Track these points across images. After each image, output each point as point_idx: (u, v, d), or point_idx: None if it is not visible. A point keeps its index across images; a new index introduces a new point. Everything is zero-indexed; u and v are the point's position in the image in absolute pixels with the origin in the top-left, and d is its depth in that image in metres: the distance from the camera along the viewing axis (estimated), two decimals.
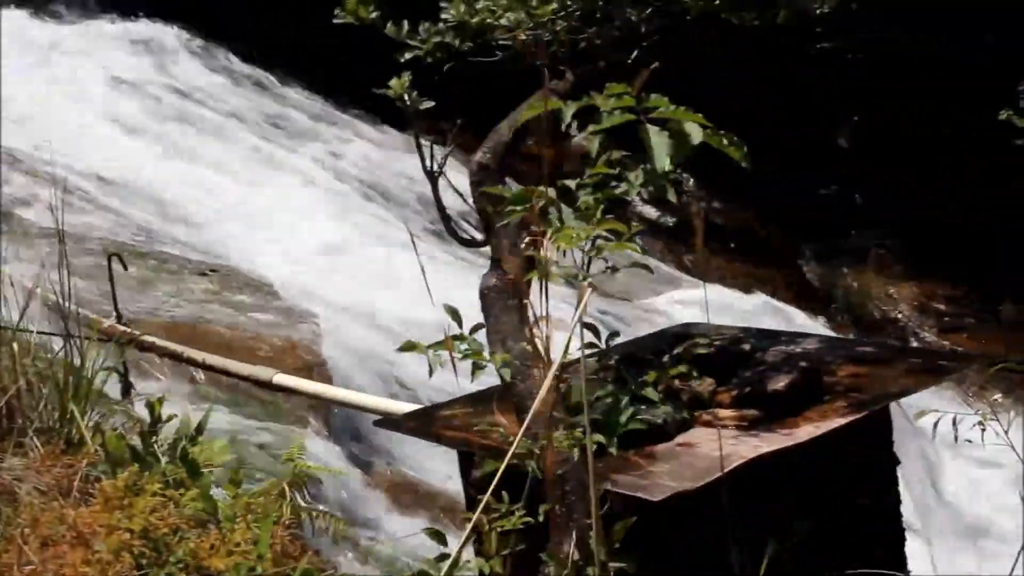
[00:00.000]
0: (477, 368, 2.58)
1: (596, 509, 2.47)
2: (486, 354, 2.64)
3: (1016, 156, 8.52)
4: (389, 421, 4.17)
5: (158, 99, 9.93)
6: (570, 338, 2.45)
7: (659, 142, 2.52)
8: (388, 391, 6.21)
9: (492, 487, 2.59)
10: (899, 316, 8.58)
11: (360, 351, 6.66)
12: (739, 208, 9.74)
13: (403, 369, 6.25)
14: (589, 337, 3.15)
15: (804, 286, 9.03)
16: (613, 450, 2.85)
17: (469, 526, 2.51)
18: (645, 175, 2.39)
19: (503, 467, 2.64)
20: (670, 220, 9.56)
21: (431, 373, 2.65)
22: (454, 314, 2.64)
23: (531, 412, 2.55)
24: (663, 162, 2.34)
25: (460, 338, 2.64)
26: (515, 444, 2.73)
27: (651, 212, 9.65)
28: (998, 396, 7.18)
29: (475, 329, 2.66)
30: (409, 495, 5.70)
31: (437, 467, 5.74)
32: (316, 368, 6.31)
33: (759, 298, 8.48)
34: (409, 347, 2.69)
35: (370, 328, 7.07)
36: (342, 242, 8.35)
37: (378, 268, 7.72)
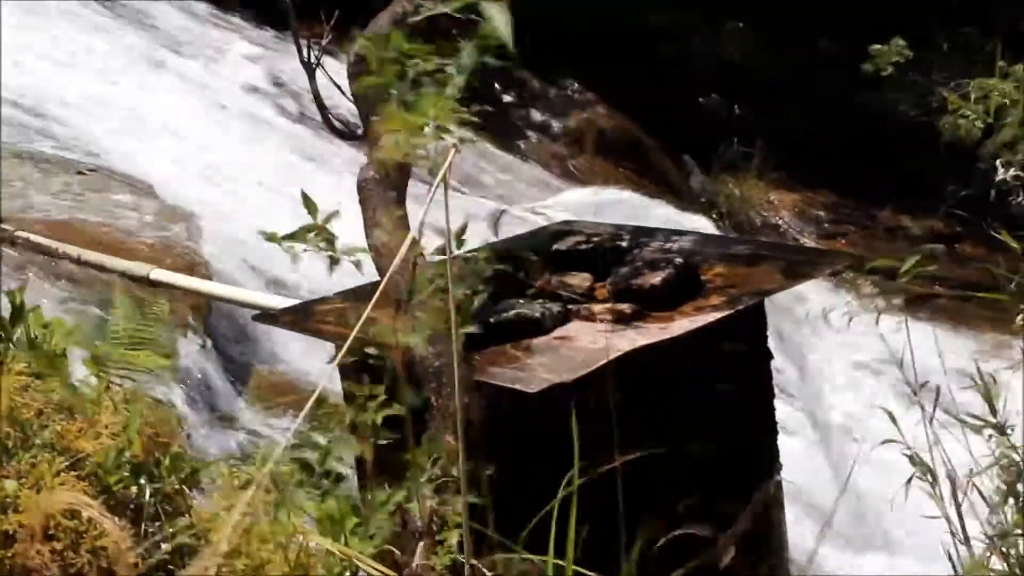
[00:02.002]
0: (333, 261, 2.54)
1: (461, 395, 2.46)
2: (341, 244, 2.58)
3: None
4: (266, 316, 4.13)
5: None
6: (425, 212, 2.42)
7: (497, 14, 2.49)
8: (270, 291, 6.14)
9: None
10: (780, 222, 8.70)
11: (241, 250, 6.58)
12: (625, 117, 9.77)
13: (282, 267, 6.19)
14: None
15: (687, 192, 9.11)
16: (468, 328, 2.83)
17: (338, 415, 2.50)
18: (481, 39, 2.34)
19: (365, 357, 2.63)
20: (557, 126, 9.56)
21: (294, 261, 2.60)
22: (308, 202, 2.59)
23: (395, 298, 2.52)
24: (501, 29, 2.31)
25: (314, 228, 2.58)
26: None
27: (538, 117, 9.64)
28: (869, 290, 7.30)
29: (329, 218, 2.60)
30: (290, 395, 5.68)
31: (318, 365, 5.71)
32: (196, 268, 6.23)
33: (642, 200, 8.53)
34: (270, 238, 2.64)
35: (252, 228, 6.97)
36: (223, 142, 8.22)
37: (260, 170, 7.63)
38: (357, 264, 2.56)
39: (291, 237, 2.58)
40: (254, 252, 6.50)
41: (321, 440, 2.35)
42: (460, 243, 3.36)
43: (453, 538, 2.06)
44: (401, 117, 2.18)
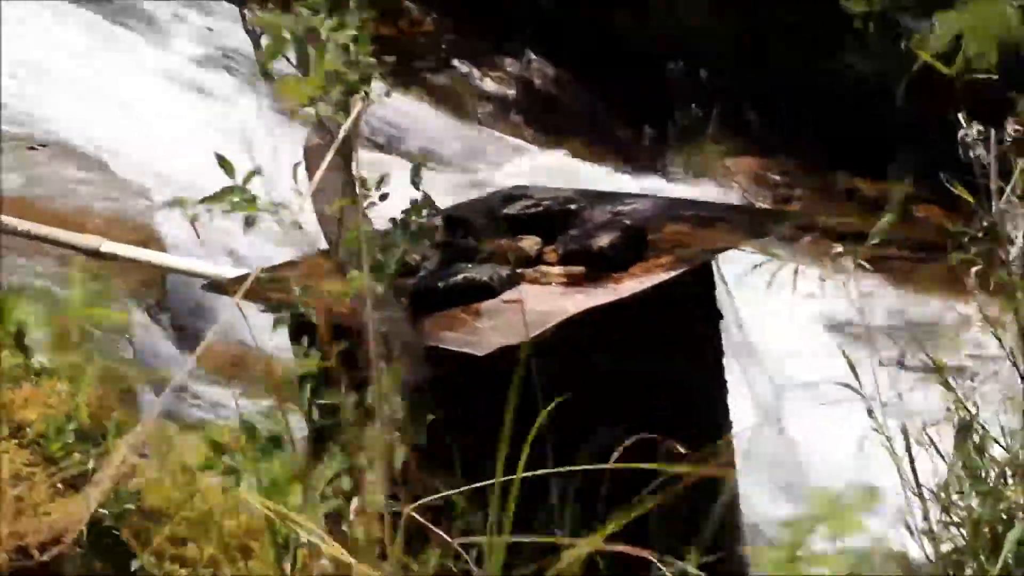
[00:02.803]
0: (249, 222, 2.52)
1: (378, 349, 2.45)
2: (262, 203, 2.56)
3: (848, 30, 8.68)
4: (215, 285, 4.11)
5: None
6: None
7: None
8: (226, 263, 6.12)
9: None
10: (736, 187, 8.72)
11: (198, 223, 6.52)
12: (581, 85, 9.76)
13: (239, 239, 6.17)
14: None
15: (642, 156, 9.11)
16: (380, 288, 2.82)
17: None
18: None
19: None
20: (510, 93, 9.55)
21: (192, 223, 2.57)
22: (224, 163, 2.56)
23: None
24: None
25: (233, 190, 2.56)
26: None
27: (492, 86, 9.62)
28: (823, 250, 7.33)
29: (248, 178, 2.58)
30: (244, 366, 5.66)
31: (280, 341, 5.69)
32: (151, 242, 6.20)
33: (598, 168, 8.55)
34: (176, 203, 2.61)
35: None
36: (176, 114, 8.17)
37: (213, 141, 7.58)
38: (280, 223, 2.54)
39: (211, 199, 2.56)
40: (209, 224, 6.46)
41: (265, 405, 2.35)
42: (417, 211, 3.37)
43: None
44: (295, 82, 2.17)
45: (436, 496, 2.07)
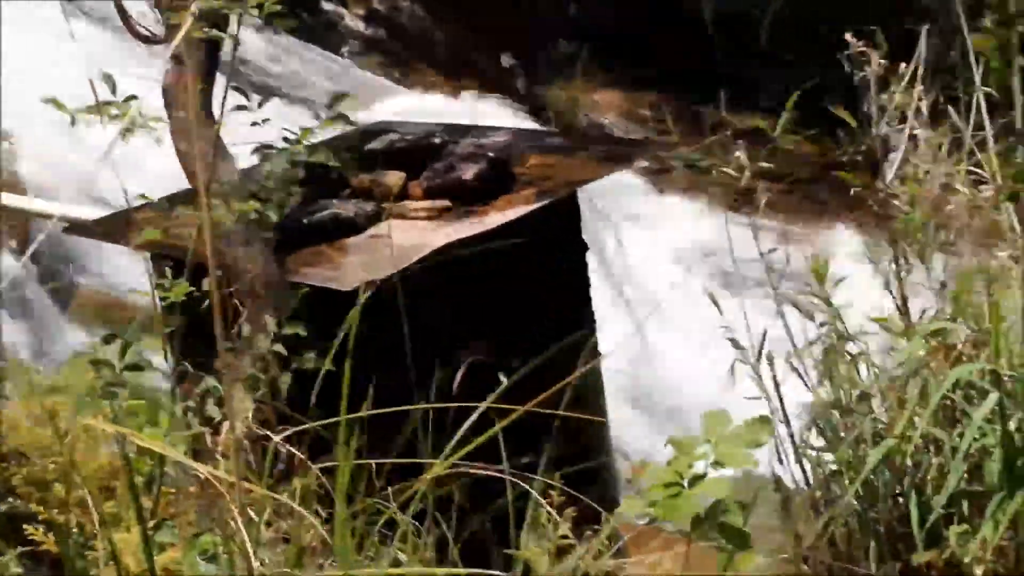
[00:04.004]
0: (127, 131, 2.52)
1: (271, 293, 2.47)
2: (136, 115, 2.56)
3: None
4: (79, 227, 4.05)
5: None
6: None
7: None
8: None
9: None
10: (606, 122, 8.77)
11: (63, 168, 6.42)
12: (449, 22, 9.72)
13: (106, 183, 6.07)
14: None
15: (515, 95, 9.11)
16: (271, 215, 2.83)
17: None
18: None
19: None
20: (380, 33, 9.48)
21: (72, 123, 2.57)
22: (108, 80, 2.57)
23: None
24: None
25: (111, 104, 2.56)
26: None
27: (360, 27, 9.54)
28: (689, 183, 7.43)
29: (129, 98, 2.59)
30: (114, 309, 5.61)
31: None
32: (15, 187, 6.08)
33: (469, 105, 8.52)
34: (49, 100, 2.60)
35: (76, 146, 6.80)
36: (33, 54, 7.97)
37: (73, 82, 7.41)
38: (158, 141, 2.55)
39: (92, 109, 2.56)
40: (75, 169, 6.36)
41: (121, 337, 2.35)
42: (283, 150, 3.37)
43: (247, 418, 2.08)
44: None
45: (303, 427, 2.08)
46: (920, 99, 2.89)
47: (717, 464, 1.81)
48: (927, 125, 2.90)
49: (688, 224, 7.26)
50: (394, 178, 3.66)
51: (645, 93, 9.06)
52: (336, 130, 3.41)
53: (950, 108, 2.89)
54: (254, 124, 2.98)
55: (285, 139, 3.24)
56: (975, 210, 2.70)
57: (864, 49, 2.97)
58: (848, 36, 3.00)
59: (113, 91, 2.57)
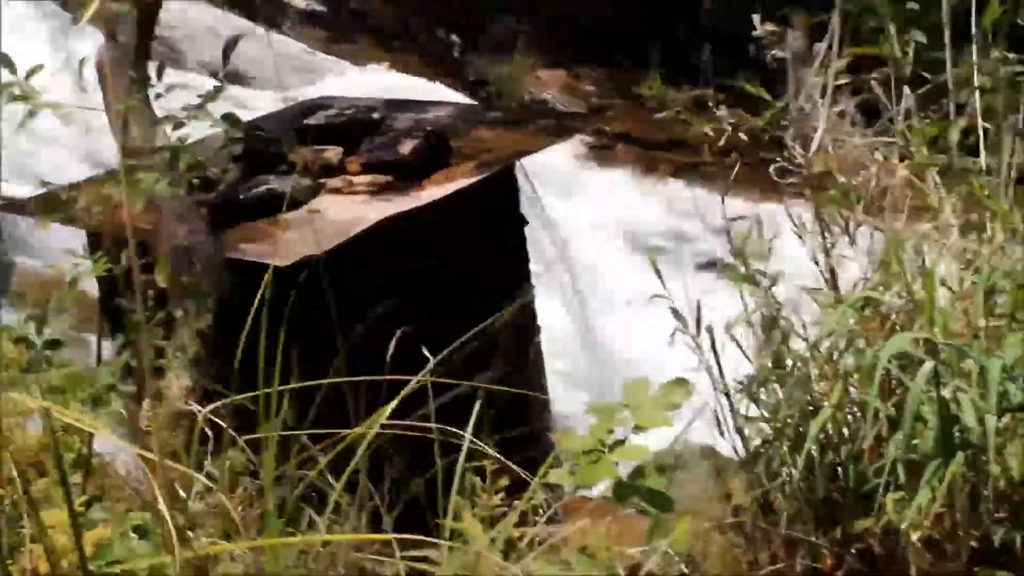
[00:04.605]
0: (31, 114, 2.50)
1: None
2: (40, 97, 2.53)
3: None
4: (12, 205, 4.01)
5: None
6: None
7: None
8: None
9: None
10: (548, 98, 8.76)
11: None
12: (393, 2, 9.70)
13: (42, 163, 6.02)
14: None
15: (457, 72, 9.09)
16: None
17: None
18: None
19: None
20: (321, 10, 9.44)
21: None
22: (6, 60, 2.54)
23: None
24: None
25: (12, 84, 2.54)
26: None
27: (302, 3, 9.49)
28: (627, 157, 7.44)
29: (31, 73, 2.56)
30: (55, 288, 5.54)
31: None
32: None
33: (412, 81, 8.49)
34: None
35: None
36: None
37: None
38: (63, 119, 2.52)
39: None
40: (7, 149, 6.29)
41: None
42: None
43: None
44: None
45: (232, 399, 2.07)
46: (837, 76, 2.91)
47: (638, 428, 1.81)
48: (846, 99, 2.92)
49: (632, 198, 7.29)
50: (332, 153, 3.65)
51: (586, 68, 9.08)
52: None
53: (873, 83, 2.90)
54: (159, 96, 2.95)
55: (223, 117, 3.21)
56: (891, 178, 2.72)
57: (774, 30, 3.00)
58: (755, 18, 3.02)
59: (13, 70, 2.54)
